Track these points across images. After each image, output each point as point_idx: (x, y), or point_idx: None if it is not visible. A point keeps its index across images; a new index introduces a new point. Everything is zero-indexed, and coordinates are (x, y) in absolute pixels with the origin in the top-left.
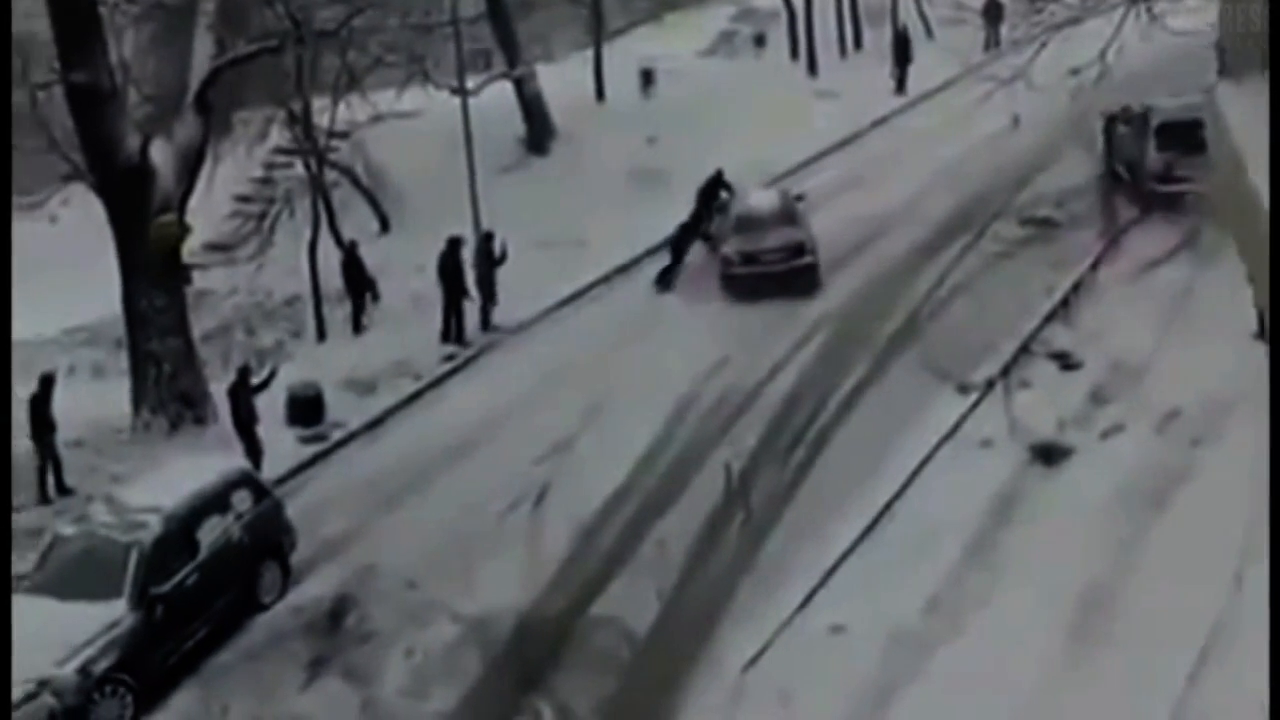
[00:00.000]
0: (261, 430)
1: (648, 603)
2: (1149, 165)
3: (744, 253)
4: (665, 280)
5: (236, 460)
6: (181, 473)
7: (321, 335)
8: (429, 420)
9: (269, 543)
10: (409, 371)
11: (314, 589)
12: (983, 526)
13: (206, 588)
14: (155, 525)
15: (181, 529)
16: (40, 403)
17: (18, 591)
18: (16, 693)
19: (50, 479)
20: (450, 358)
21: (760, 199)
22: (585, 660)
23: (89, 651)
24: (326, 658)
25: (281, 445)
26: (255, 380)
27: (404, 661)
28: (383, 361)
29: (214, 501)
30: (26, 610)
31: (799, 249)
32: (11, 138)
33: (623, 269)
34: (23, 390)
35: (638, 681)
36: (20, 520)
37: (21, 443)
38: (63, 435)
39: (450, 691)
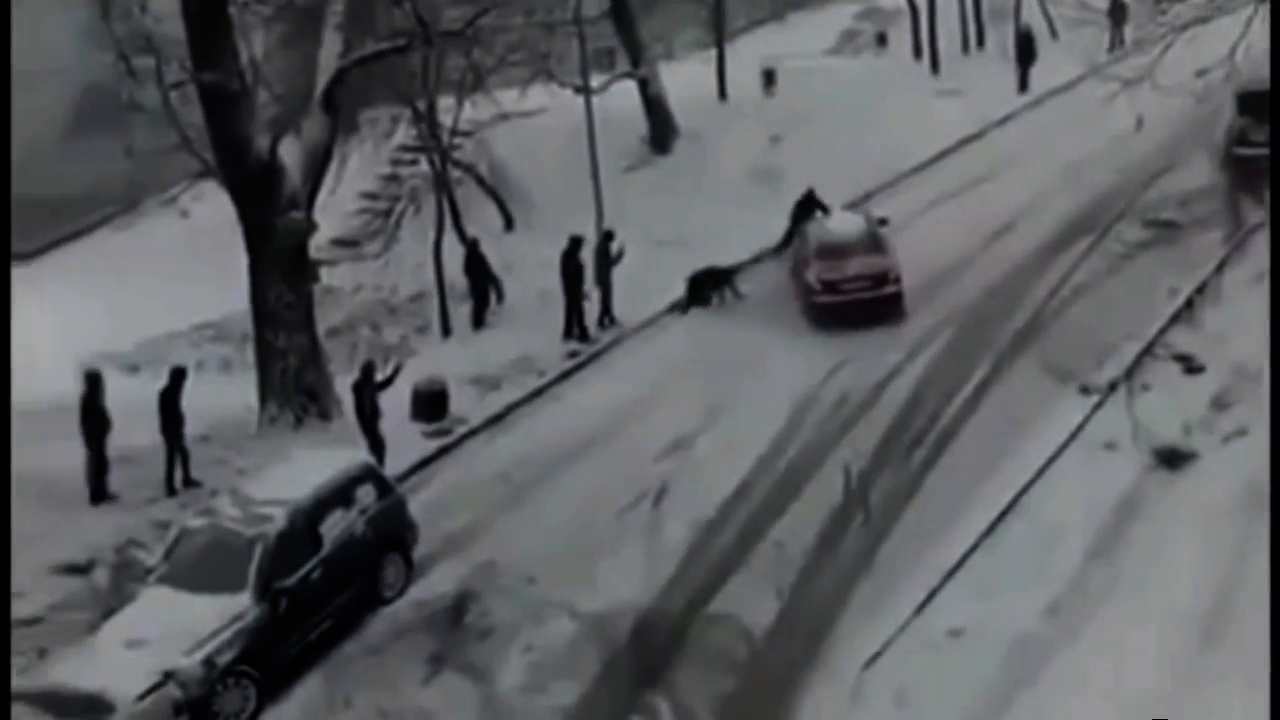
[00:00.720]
0: (385, 425)
1: (766, 602)
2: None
3: (826, 280)
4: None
5: (360, 455)
6: (306, 467)
7: (446, 331)
8: (551, 417)
9: (392, 537)
10: (532, 368)
11: (436, 584)
12: (1105, 530)
13: (330, 582)
14: (280, 519)
15: (305, 523)
16: (170, 397)
17: (147, 583)
18: (143, 683)
19: (178, 472)
20: (573, 354)
21: (842, 223)
22: (703, 658)
23: (214, 643)
24: (447, 653)
25: (406, 440)
26: (379, 377)
27: (523, 658)
28: (506, 358)
29: (337, 496)
30: (153, 602)
31: (883, 277)
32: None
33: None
34: (154, 385)
35: (755, 680)
36: (149, 513)
37: (151, 437)
38: (190, 429)
39: (568, 688)
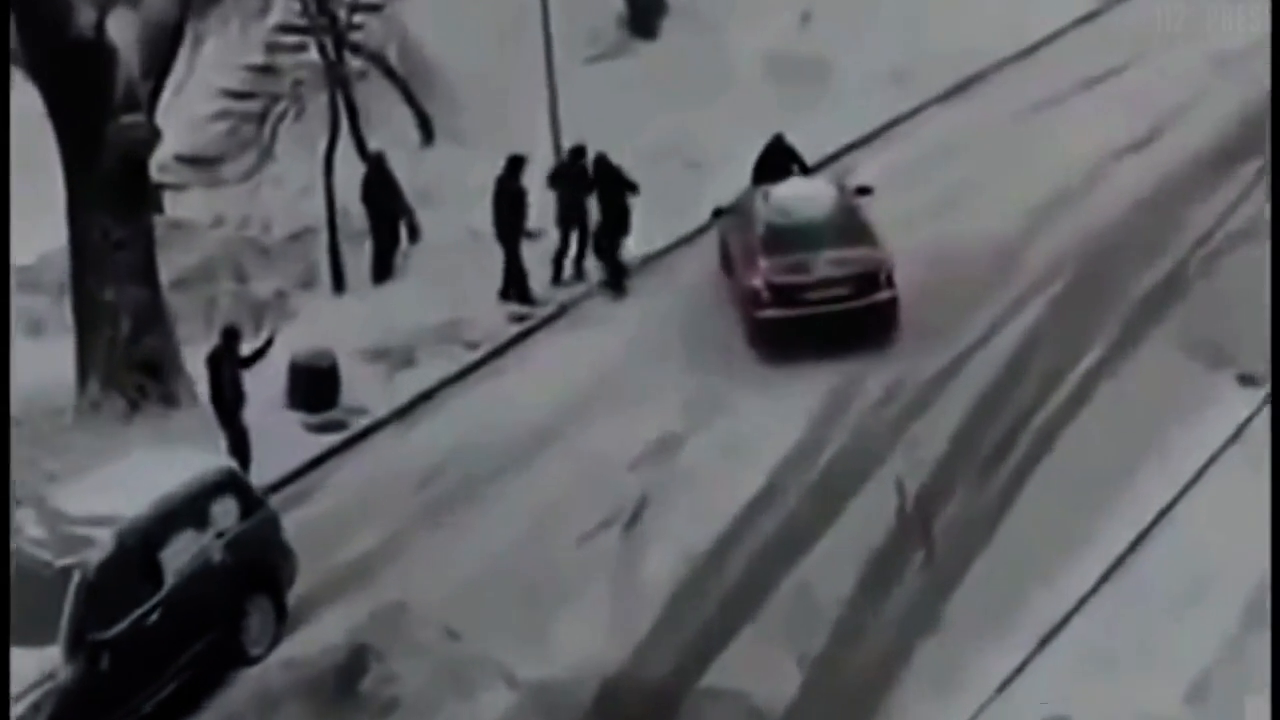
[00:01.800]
0: (252, 415)
1: (785, 672)
2: None
3: (779, 285)
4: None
5: (217, 457)
6: (142, 471)
7: (339, 284)
8: (486, 406)
9: (260, 571)
10: (458, 338)
11: (320, 636)
12: (1268, 576)
13: (172, 631)
14: (104, 543)
15: (139, 549)
16: None
17: None
18: None
19: None
20: (519, 319)
21: (802, 195)
22: None
23: (15, 711)
24: None
25: (282, 436)
26: (246, 349)
27: None
28: (423, 323)
29: (185, 513)
30: None
31: (870, 280)
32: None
33: None
34: None
35: None
36: None
37: None
38: None
39: None
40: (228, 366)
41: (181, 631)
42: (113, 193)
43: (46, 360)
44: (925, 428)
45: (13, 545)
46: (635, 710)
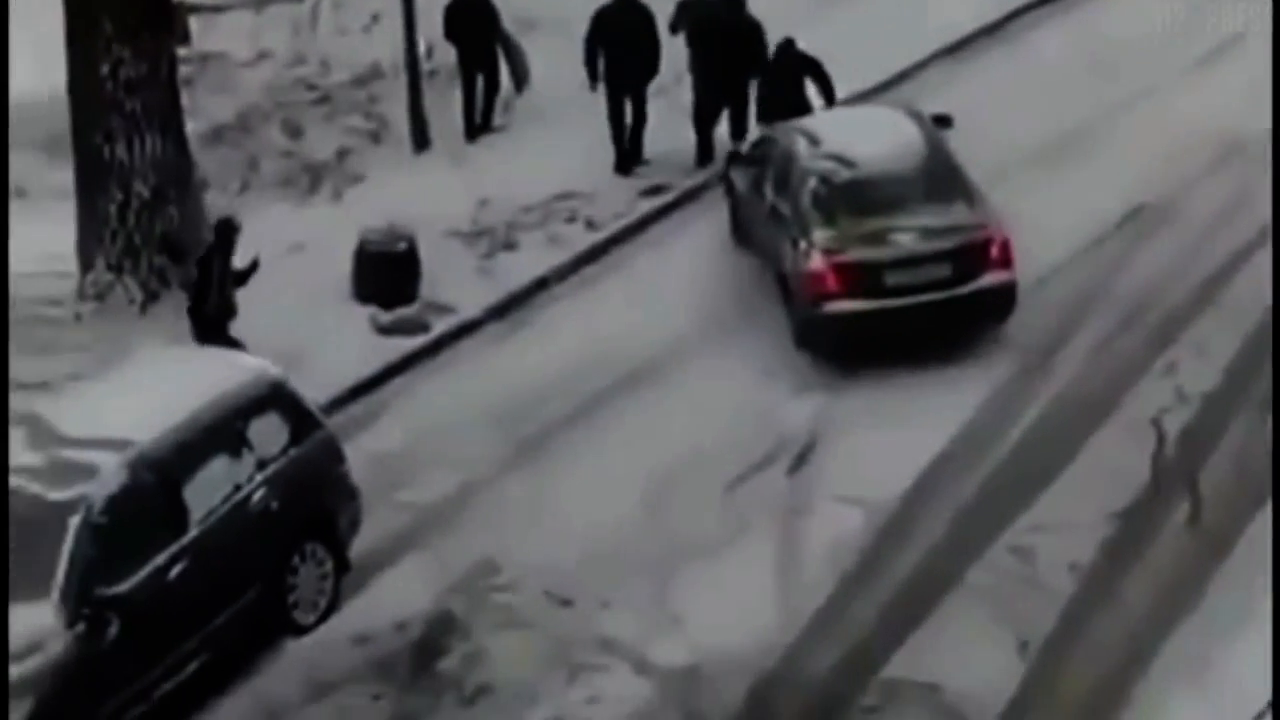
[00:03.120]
0: (307, 308)
1: (998, 663)
2: None
3: (848, 267)
4: None
5: (261, 364)
6: (160, 380)
7: (420, 142)
8: (607, 306)
9: (313, 513)
10: (575, 214)
11: (388, 601)
12: None
13: (199, 590)
14: (111, 474)
15: (158, 483)
16: None
17: None
18: None
19: None
20: (653, 192)
21: (867, 133)
22: None
23: None
24: None
25: (344, 337)
26: (242, 258)
27: None
28: (528, 195)
29: (217, 435)
30: None
31: (977, 254)
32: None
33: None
34: None
35: None
36: None
37: None
38: None
39: None
40: (217, 266)
41: (211, 590)
42: (125, 14)
43: (36, 236)
44: (1189, 346)
45: None
46: (797, 707)
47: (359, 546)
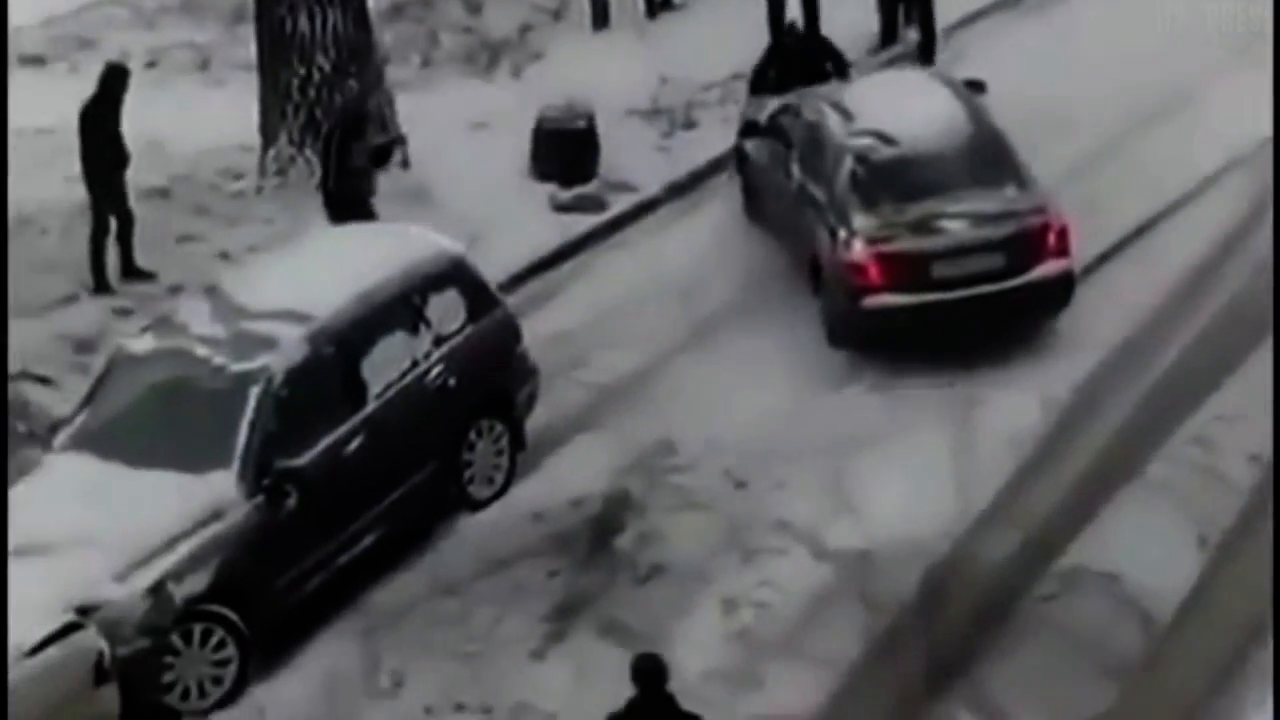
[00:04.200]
0: (483, 186)
1: (1177, 555)
2: None
3: (892, 257)
4: None
5: (441, 240)
6: (341, 254)
7: (600, 17)
8: None
9: (491, 390)
10: None
11: (564, 479)
12: None
13: (377, 464)
14: (292, 346)
15: (337, 356)
16: (98, 117)
17: (52, 447)
18: (40, 625)
19: (112, 253)
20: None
21: (906, 106)
22: (1045, 653)
23: (168, 561)
24: (578, 604)
25: (521, 215)
26: (376, 136)
27: (720, 620)
28: (712, 71)
29: (396, 310)
30: (62, 480)
31: (1033, 241)
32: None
33: None
34: (70, 89)
35: (1148, 704)
36: (58, 322)
37: (66, 187)
38: (137, 177)
39: (797, 684)
40: (349, 150)
41: (389, 464)
42: None
43: (218, 109)
44: None
45: (172, 346)
46: (973, 594)
47: (535, 424)
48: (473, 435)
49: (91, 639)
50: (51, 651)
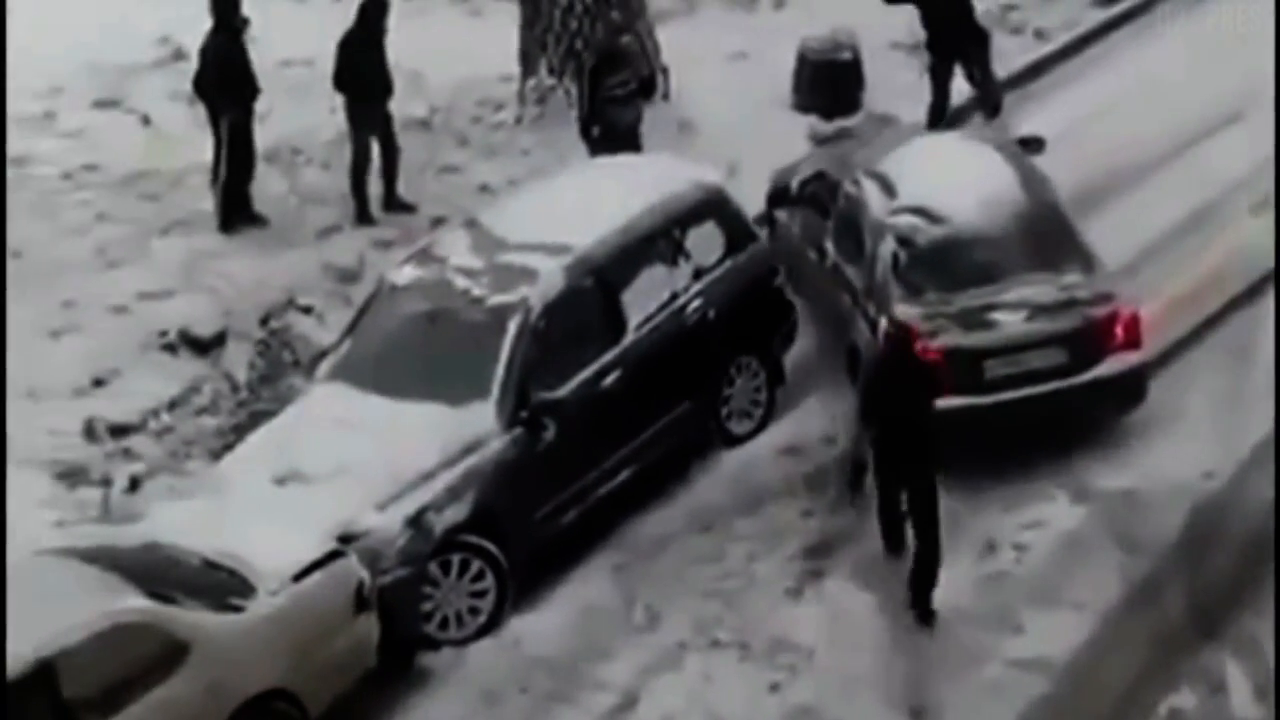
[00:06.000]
0: (743, 116)
1: None
2: None
3: (941, 354)
4: None
5: (698, 168)
6: (599, 186)
7: None
8: (1065, 118)
9: (750, 325)
10: (1023, 24)
11: (824, 415)
12: None
13: (635, 398)
14: (550, 278)
15: (596, 289)
16: (359, 48)
17: (314, 377)
18: (304, 551)
19: (374, 185)
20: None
21: (957, 179)
22: None
23: (427, 491)
24: (836, 542)
25: (783, 146)
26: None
27: (976, 563)
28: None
29: (656, 242)
30: (324, 410)
31: (1099, 334)
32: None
33: None
34: (328, 17)
35: None
36: (323, 252)
37: (331, 117)
38: (397, 107)
39: (1051, 631)
40: (603, 86)
41: (647, 398)
42: None
43: (479, 40)
44: None
45: (433, 277)
46: (1238, 536)
47: (795, 357)
48: (731, 370)
49: (353, 567)
50: (314, 578)
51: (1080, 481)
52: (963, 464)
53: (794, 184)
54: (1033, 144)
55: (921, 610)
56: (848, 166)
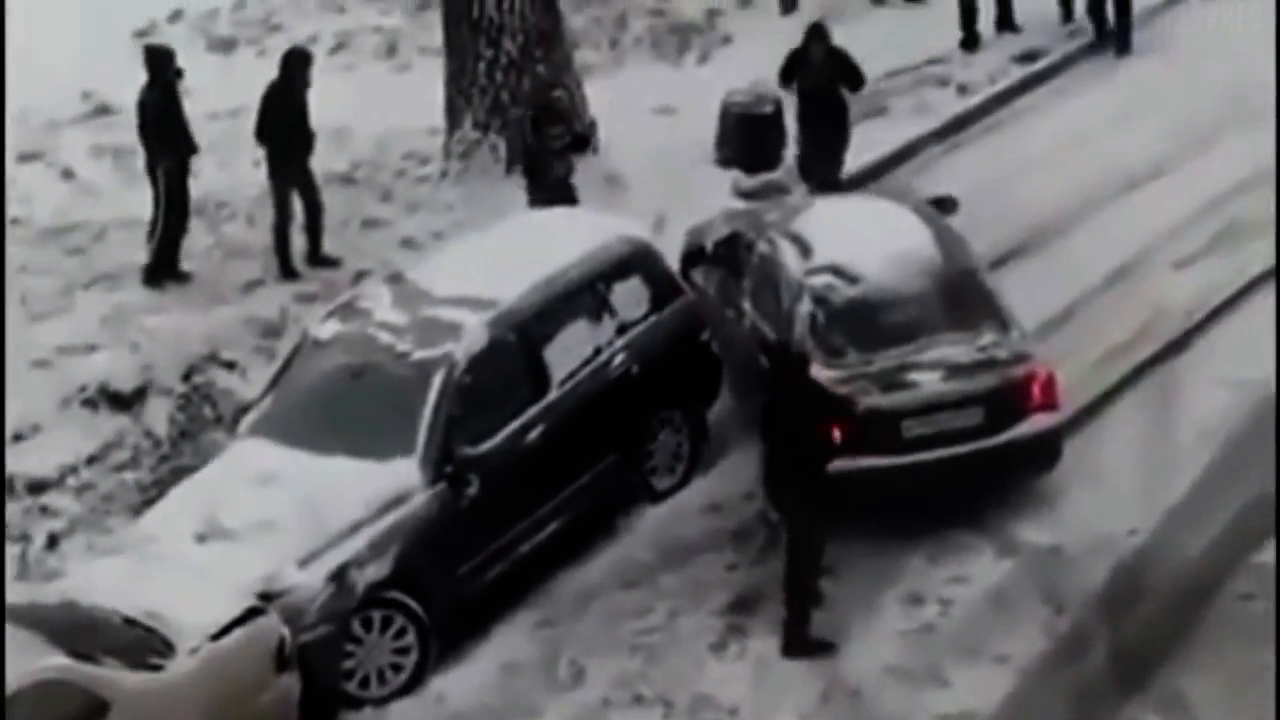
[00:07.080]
0: (665, 171)
1: None
2: None
3: (858, 417)
4: None
5: (624, 225)
6: (524, 240)
7: (790, 3)
8: (982, 176)
9: (674, 380)
10: (945, 79)
11: (748, 472)
12: None
13: (559, 453)
14: (475, 333)
15: (520, 344)
16: (284, 101)
17: (237, 433)
18: (223, 609)
19: (297, 239)
20: (1026, 59)
21: (869, 236)
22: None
23: (350, 546)
24: (760, 597)
25: (704, 202)
26: (570, 124)
27: (902, 616)
28: (899, 57)
29: (580, 297)
30: (246, 465)
31: (1016, 395)
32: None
33: None
34: (256, 69)
35: None
36: (246, 307)
37: (253, 174)
38: (323, 164)
39: (976, 685)
40: (533, 139)
41: (571, 454)
42: None
43: (403, 93)
44: None
45: (357, 332)
46: (1164, 590)
47: (716, 415)
48: (654, 425)
49: (273, 624)
50: (234, 636)
51: (1005, 536)
52: (886, 517)
53: (709, 244)
54: (946, 204)
55: (789, 640)
56: (762, 226)
